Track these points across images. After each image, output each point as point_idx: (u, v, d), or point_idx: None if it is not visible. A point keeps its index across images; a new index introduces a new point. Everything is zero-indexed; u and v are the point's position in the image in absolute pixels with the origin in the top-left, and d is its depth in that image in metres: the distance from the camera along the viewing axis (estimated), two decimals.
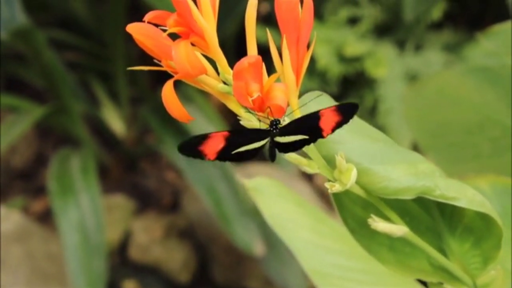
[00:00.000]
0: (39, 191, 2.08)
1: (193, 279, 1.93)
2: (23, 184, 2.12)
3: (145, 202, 2.07)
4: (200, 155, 0.51)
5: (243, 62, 0.47)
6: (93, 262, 1.62)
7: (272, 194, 0.88)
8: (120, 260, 1.95)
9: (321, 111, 0.50)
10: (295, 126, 0.51)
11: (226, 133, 0.51)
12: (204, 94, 1.89)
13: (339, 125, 0.50)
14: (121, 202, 2.01)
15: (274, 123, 0.51)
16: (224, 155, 0.51)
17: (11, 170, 2.12)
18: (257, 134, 0.52)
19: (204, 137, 0.51)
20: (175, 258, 1.92)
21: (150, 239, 1.93)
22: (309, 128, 0.51)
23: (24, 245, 1.82)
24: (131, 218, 1.99)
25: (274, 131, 0.51)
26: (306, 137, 0.51)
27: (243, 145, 0.52)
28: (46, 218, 2.00)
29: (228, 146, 0.51)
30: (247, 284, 1.88)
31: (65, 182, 1.72)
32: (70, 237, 1.63)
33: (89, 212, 1.67)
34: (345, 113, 0.50)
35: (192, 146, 0.51)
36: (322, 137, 0.51)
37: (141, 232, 1.95)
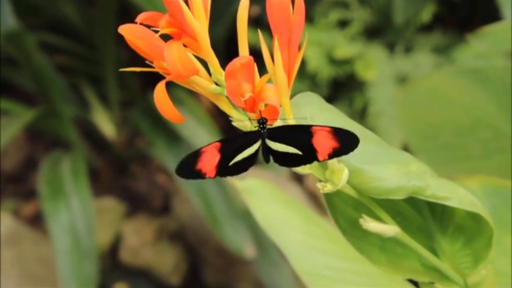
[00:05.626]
0: (30, 194, 2.08)
1: (184, 282, 1.93)
2: (13, 188, 2.11)
3: (136, 205, 2.07)
4: (200, 175, 0.50)
5: (235, 62, 0.47)
6: (84, 265, 1.61)
7: (264, 196, 0.88)
8: (111, 263, 1.94)
9: (313, 127, 0.50)
10: (286, 132, 0.51)
11: (217, 143, 0.51)
12: (195, 96, 1.89)
13: (337, 153, 0.50)
14: (111, 205, 2.01)
15: (261, 121, 0.50)
16: (223, 170, 0.51)
17: (1, 174, 2.11)
18: (247, 138, 0.51)
19: (197, 154, 0.50)
20: (166, 261, 1.91)
21: (141, 242, 1.93)
22: (301, 142, 0.51)
23: (15, 248, 1.82)
24: (121, 221, 1.99)
25: (262, 130, 0.51)
26: (299, 152, 0.51)
27: (238, 152, 0.51)
28: (36, 222, 1.99)
29: (224, 157, 0.51)
30: (238, 286, 1.88)
31: (55, 185, 1.72)
32: (61, 240, 1.63)
33: (80, 215, 1.67)
34: (345, 142, 0.50)
35: (189, 167, 0.50)
36: (318, 160, 0.50)
37: (131, 235, 1.94)
